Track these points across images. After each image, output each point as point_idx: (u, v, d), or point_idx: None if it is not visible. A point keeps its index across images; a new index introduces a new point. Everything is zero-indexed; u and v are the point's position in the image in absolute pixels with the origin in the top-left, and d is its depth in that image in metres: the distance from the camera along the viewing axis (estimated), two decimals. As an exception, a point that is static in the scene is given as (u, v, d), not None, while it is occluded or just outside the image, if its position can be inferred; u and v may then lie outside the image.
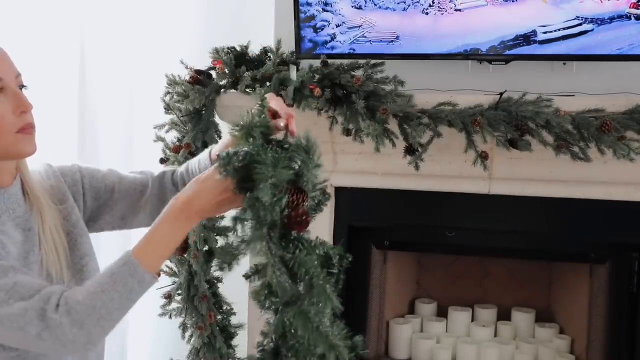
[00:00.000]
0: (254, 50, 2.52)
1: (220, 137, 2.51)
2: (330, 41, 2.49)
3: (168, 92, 2.51)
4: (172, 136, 2.54)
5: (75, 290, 1.17)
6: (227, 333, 2.57)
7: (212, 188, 1.20)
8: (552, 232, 2.49)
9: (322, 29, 2.49)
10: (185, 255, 2.51)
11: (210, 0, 2.96)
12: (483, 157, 2.21)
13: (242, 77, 2.41)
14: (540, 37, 2.32)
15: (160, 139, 2.56)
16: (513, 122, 2.18)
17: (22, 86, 1.30)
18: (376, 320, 2.85)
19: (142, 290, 1.18)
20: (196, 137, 2.44)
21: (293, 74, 2.29)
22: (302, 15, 2.48)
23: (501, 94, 2.23)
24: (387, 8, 2.41)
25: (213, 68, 2.49)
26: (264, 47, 2.52)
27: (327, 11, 2.46)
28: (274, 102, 1.31)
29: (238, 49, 2.50)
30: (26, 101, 1.26)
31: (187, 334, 2.57)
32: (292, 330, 1.15)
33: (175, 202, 1.22)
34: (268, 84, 2.38)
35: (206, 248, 2.52)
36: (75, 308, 1.13)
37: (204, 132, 2.45)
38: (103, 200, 1.48)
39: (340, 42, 2.48)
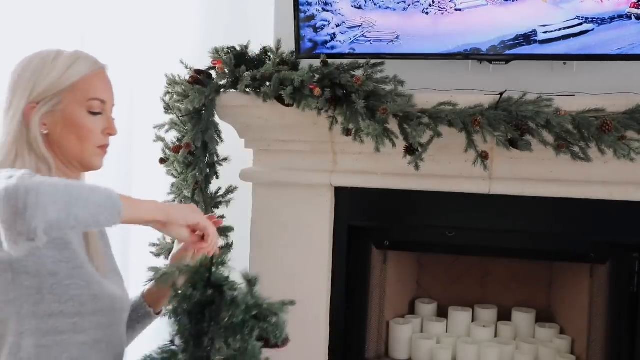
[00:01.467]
0: (254, 50, 2.52)
1: (220, 137, 2.51)
2: (330, 41, 2.49)
3: (168, 92, 2.51)
4: (172, 136, 2.54)
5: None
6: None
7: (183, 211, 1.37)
8: (552, 232, 2.49)
9: (322, 29, 2.49)
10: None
11: (210, 0, 2.96)
12: (483, 157, 2.21)
13: (242, 77, 2.41)
14: (541, 36, 2.31)
15: (160, 139, 2.56)
16: (513, 122, 2.17)
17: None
18: (376, 320, 2.84)
19: (110, 219, 1.19)
20: (196, 137, 2.44)
21: None
22: (302, 15, 2.48)
23: (501, 93, 2.23)
24: (387, 8, 2.41)
25: (213, 68, 2.49)
26: (264, 47, 2.52)
27: (327, 11, 2.46)
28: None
29: (238, 48, 2.50)
30: (115, 127, 1.46)
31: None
32: None
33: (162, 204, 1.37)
34: (268, 83, 2.38)
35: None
36: (43, 182, 1.12)
37: (204, 132, 2.45)
38: None
39: (340, 41, 2.48)
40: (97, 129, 1.41)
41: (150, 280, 1.45)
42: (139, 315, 1.55)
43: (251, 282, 1.32)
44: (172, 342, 1.28)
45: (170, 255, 1.60)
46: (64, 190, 1.12)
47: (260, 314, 1.30)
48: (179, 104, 2.46)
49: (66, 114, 1.37)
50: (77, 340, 1.33)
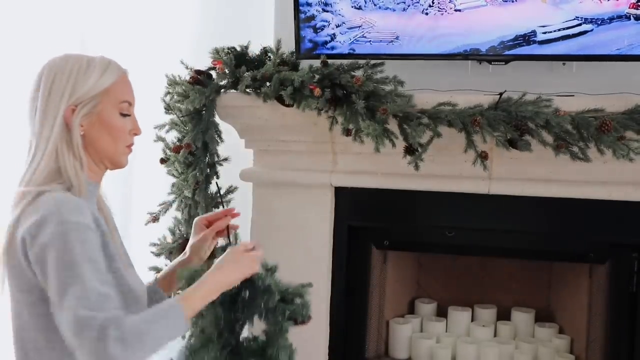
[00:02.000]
0: (254, 50, 2.52)
1: (220, 137, 2.52)
2: (330, 41, 2.49)
3: (168, 92, 2.51)
4: (172, 136, 2.55)
5: (132, 316, 1.28)
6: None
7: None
8: (552, 232, 2.50)
9: (322, 29, 2.49)
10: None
11: (210, 0, 2.96)
12: (483, 157, 2.21)
13: (242, 77, 2.42)
14: (540, 37, 2.32)
15: (160, 139, 2.56)
16: (513, 122, 2.18)
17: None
18: (376, 320, 2.85)
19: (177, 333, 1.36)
20: (196, 137, 2.44)
21: None
22: (302, 16, 2.48)
23: (501, 94, 2.23)
24: (387, 8, 2.41)
25: (213, 68, 2.50)
26: (264, 48, 2.52)
27: (327, 11, 2.47)
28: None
29: (238, 49, 2.51)
30: (140, 127, 1.55)
31: (187, 333, 2.57)
32: None
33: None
34: (268, 84, 2.38)
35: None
36: (128, 331, 1.24)
37: (204, 132, 2.45)
38: None
39: (340, 42, 2.49)
40: (126, 129, 1.50)
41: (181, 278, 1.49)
42: (154, 300, 1.61)
43: (272, 270, 1.51)
44: (202, 331, 1.41)
45: (189, 245, 1.71)
46: (147, 344, 1.26)
47: (287, 297, 1.47)
48: (179, 104, 2.46)
49: (102, 116, 1.45)
50: None
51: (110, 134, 1.46)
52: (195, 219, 1.74)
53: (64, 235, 1.29)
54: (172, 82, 2.50)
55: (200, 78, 2.44)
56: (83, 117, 1.42)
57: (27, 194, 1.36)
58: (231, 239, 1.67)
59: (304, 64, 2.44)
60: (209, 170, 2.50)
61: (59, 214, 1.30)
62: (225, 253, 1.49)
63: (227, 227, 1.69)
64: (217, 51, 2.50)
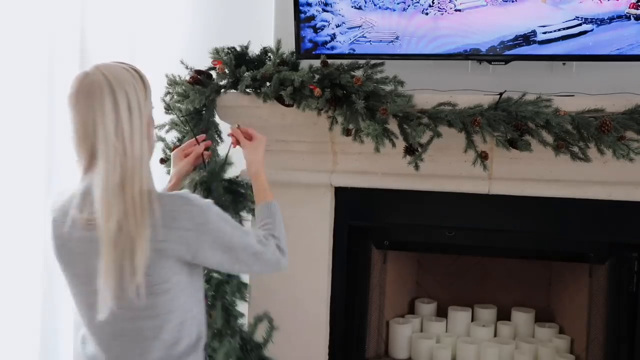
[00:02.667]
0: (254, 50, 2.52)
1: (220, 137, 2.52)
2: (330, 41, 2.49)
3: (168, 93, 2.51)
4: (172, 136, 2.54)
5: (274, 231, 1.66)
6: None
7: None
8: (551, 232, 2.50)
9: (322, 29, 2.49)
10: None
11: (210, 0, 2.96)
12: (483, 157, 2.21)
13: (242, 77, 2.42)
14: (540, 37, 2.32)
15: (160, 139, 2.56)
16: (513, 122, 2.18)
17: None
18: (376, 320, 2.85)
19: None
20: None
21: None
22: (302, 16, 2.48)
23: (501, 94, 2.23)
24: (387, 8, 2.41)
25: (213, 68, 2.49)
26: (264, 48, 2.52)
27: (327, 11, 2.47)
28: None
29: (238, 49, 2.50)
30: None
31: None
32: None
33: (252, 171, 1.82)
34: (268, 84, 2.38)
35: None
36: (282, 242, 1.63)
37: (204, 132, 2.45)
38: None
39: (340, 42, 2.49)
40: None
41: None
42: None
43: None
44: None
45: (172, 173, 1.92)
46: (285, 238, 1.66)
47: None
48: (179, 104, 2.46)
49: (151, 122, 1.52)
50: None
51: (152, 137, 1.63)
52: (173, 152, 1.95)
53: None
54: (172, 82, 2.49)
55: (200, 78, 2.43)
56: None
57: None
58: (206, 163, 2.00)
59: (304, 64, 2.44)
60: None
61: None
62: (244, 149, 1.84)
63: (202, 154, 1.92)
64: (217, 51, 2.50)
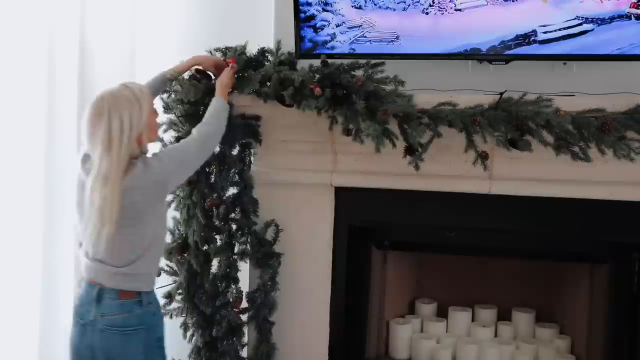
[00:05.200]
0: (251, 50, 2.51)
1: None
2: (330, 41, 2.49)
3: (166, 91, 2.50)
4: (171, 136, 2.54)
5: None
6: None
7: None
8: (552, 232, 2.49)
9: (322, 29, 2.49)
10: (185, 255, 2.51)
11: (210, 0, 2.96)
12: (483, 157, 2.21)
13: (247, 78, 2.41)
14: (541, 37, 2.32)
15: (159, 138, 2.55)
16: (513, 122, 2.17)
17: None
18: (376, 320, 2.85)
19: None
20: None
21: None
22: (302, 15, 2.48)
23: (501, 94, 2.23)
24: (387, 8, 2.41)
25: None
26: (262, 48, 2.51)
27: (327, 11, 2.46)
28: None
29: (237, 49, 2.50)
30: None
31: (189, 333, 2.57)
32: None
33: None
34: (268, 84, 2.38)
35: (206, 247, 2.52)
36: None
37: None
38: None
39: (340, 42, 2.48)
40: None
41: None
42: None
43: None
44: None
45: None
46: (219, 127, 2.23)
47: None
48: (177, 105, 2.45)
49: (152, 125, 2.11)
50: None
51: (152, 137, 2.14)
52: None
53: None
54: (172, 77, 2.48)
55: (199, 78, 2.43)
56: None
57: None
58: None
59: (304, 64, 2.44)
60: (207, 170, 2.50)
61: None
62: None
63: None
64: (224, 52, 2.49)
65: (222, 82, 2.32)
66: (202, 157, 2.18)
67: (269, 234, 2.57)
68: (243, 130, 2.51)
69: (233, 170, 2.53)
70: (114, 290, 2.00)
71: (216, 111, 2.22)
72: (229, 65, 2.36)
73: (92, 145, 1.96)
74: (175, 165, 2.05)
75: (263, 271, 2.54)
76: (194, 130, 2.17)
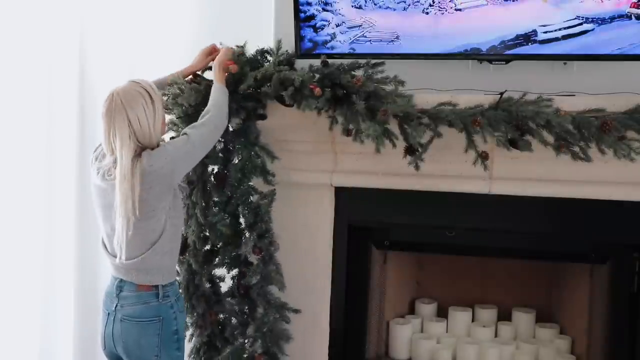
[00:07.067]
0: (250, 50, 2.51)
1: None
2: (330, 41, 2.49)
3: (164, 94, 2.50)
4: (170, 137, 2.53)
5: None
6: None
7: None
8: (552, 232, 2.49)
9: (322, 29, 2.49)
10: (185, 255, 2.51)
11: (210, 0, 2.96)
12: (483, 157, 2.21)
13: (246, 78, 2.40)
14: (541, 36, 2.31)
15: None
16: (513, 122, 2.17)
17: None
18: (376, 320, 2.85)
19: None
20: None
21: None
22: (302, 15, 2.48)
23: (501, 93, 2.23)
24: (387, 8, 2.41)
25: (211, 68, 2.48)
26: (261, 48, 2.50)
27: (327, 11, 2.46)
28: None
29: (237, 49, 2.49)
30: None
31: (188, 333, 2.57)
32: None
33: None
34: (268, 84, 2.37)
35: (207, 247, 2.52)
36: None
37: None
38: None
39: (340, 41, 2.48)
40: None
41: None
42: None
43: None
44: None
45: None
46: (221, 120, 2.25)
47: None
48: (174, 101, 2.45)
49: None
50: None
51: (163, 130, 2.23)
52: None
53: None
54: (172, 82, 2.48)
55: (196, 81, 2.43)
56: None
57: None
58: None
59: (304, 63, 2.43)
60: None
61: None
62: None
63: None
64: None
65: (220, 61, 2.32)
66: (207, 147, 2.19)
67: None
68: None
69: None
70: (132, 283, 2.07)
71: (217, 98, 2.24)
72: (229, 67, 2.36)
73: (108, 143, 2.00)
74: (182, 154, 2.07)
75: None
76: (198, 121, 2.19)
